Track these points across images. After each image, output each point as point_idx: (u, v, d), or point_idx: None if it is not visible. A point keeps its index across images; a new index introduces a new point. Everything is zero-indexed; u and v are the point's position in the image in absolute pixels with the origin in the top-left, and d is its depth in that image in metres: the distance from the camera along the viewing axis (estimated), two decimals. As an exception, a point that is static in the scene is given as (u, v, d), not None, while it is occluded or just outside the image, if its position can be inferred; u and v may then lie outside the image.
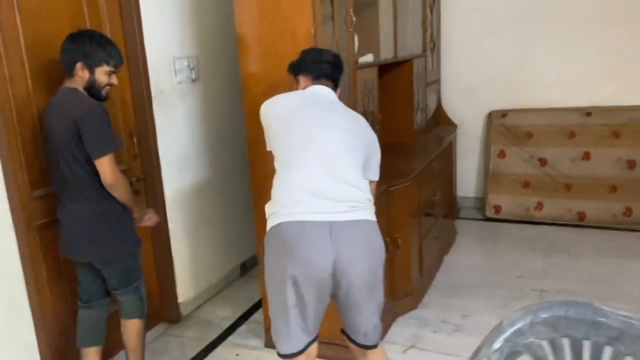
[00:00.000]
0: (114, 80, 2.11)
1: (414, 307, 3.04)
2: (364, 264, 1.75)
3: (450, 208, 4.21)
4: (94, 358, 2.27)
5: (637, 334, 1.32)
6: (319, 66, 1.95)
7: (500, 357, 1.41)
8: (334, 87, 1.98)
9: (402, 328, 2.85)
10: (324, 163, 1.76)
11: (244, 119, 2.52)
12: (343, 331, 1.94)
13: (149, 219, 2.31)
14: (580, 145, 4.23)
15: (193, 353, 2.73)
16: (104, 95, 2.11)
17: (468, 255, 3.82)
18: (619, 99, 4.15)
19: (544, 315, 1.44)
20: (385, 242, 2.76)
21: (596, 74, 4.19)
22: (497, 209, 4.44)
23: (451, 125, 4.58)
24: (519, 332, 1.43)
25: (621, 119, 4.11)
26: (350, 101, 2.69)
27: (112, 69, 2.08)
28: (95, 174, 2.02)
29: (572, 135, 4.25)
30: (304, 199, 1.72)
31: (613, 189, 4.12)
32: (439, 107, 4.64)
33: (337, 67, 1.99)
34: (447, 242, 3.88)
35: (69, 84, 2.06)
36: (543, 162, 4.32)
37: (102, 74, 2.06)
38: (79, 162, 2.02)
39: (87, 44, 2.02)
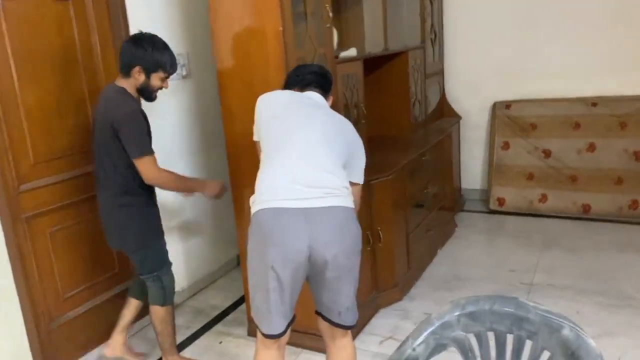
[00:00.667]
0: (167, 84, 2.25)
1: (398, 299, 3.07)
2: (339, 247, 1.80)
3: (450, 200, 4.19)
4: (132, 308, 2.53)
5: (555, 328, 1.33)
6: (302, 77, 2.05)
7: (427, 349, 1.45)
8: (324, 95, 2.06)
9: (383, 319, 2.89)
10: (303, 153, 1.85)
11: (222, 117, 2.60)
12: (317, 312, 2.00)
13: (212, 188, 2.39)
14: (586, 137, 4.13)
15: (179, 340, 2.84)
16: (154, 97, 2.26)
17: (464, 248, 3.81)
18: (626, 88, 4.03)
19: (471, 309, 1.46)
20: (367, 235, 2.83)
21: (602, 63, 4.08)
22: (501, 201, 4.40)
23: (455, 117, 4.54)
24: (446, 325, 1.46)
25: (628, 109, 3.99)
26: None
27: (167, 75, 2.22)
28: (123, 170, 2.17)
29: (577, 126, 4.16)
30: (281, 185, 1.80)
31: (619, 181, 4.01)
32: (443, 98, 4.60)
33: (323, 76, 2.07)
34: (443, 235, 3.87)
35: (121, 82, 2.19)
36: (547, 153, 4.24)
37: (157, 79, 2.19)
38: (110, 158, 2.16)
39: (149, 50, 2.13)
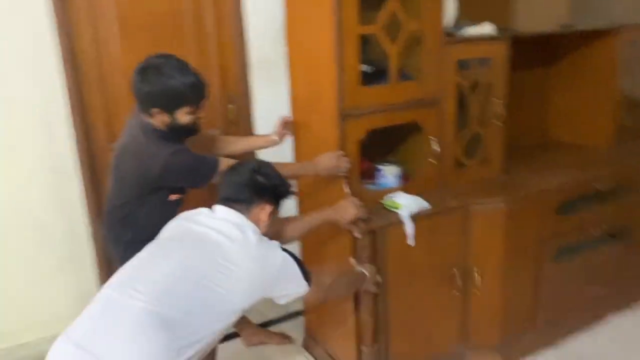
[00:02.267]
0: (200, 114, 1.81)
1: (495, 365, 2.30)
2: None
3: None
4: None
5: None
6: (220, 190, 1.65)
7: None
8: (247, 206, 1.59)
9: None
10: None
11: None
12: None
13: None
14: None
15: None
16: (195, 129, 1.82)
17: (655, 322, 2.62)
18: None
19: None
20: (453, 272, 2.16)
21: None
22: None
23: None
24: None
25: None
26: (424, 84, 2.08)
27: (194, 107, 1.78)
28: (155, 203, 1.85)
29: None
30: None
31: None
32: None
33: (249, 186, 1.61)
34: (623, 294, 2.71)
35: (147, 117, 1.77)
36: None
37: (183, 114, 1.76)
38: (126, 198, 1.84)
39: (156, 83, 1.70)
